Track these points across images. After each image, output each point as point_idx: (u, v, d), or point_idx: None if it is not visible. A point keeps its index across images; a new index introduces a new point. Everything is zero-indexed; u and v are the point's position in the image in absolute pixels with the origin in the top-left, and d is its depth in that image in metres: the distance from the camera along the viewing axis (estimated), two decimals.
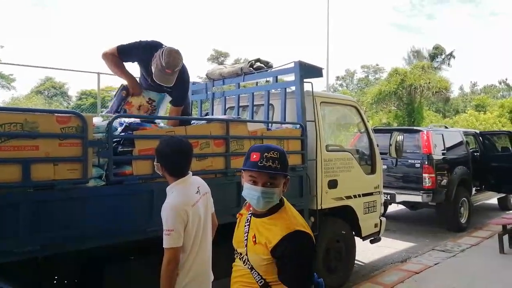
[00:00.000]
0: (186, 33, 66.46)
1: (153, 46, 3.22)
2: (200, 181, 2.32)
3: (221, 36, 63.41)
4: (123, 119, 2.77)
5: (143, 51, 3.25)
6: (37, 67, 13.05)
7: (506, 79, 43.58)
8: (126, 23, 68.15)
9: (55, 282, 2.71)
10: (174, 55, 3.07)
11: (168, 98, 3.42)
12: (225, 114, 4.85)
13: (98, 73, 10.35)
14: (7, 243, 2.09)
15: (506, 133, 8.99)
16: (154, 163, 2.22)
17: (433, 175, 6.99)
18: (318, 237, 4.05)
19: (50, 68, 19.08)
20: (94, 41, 56.53)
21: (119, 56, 3.28)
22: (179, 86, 3.31)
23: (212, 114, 5.09)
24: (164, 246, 2.00)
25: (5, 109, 2.21)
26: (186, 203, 2.09)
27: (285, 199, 1.75)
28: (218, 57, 36.28)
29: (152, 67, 3.13)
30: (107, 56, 3.26)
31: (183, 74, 3.35)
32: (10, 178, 2.10)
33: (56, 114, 2.31)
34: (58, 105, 26.22)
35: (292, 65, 4.10)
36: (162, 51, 3.07)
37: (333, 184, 4.31)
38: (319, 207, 4.11)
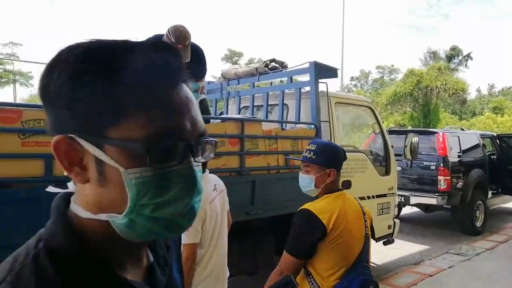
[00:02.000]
0: (200, 33, 66.82)
1: (158, 38, 3.24)
2: (217, 179, 2.36)
3: (235, 35, 63.64)
4: None
5: None
6: None
7: None
8: (140, 22, 68.95)
9: None
10: (180, 29, 3.08)
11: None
12: (239, 113, 4.90)
13: None
14: (30, 237, 2.16)
15: None
16: None
17: (449, 177, 6.90)
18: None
19: None
20: (108, 36, 57.32)
21: None
22: (194, 61, 3.29)
23: (227, 113, 5.15)
24: (183, 242, 2.04)
25: (29, 106, 2.28)
26: (204, 200, 2.13)
27: (342, 191, 1.88)
28: (232, 56, 36.50)
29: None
30: None
31: (197, 52, 3.35)
32: (33, 173, 2.18)
33: None
34: None
35: (307, 65, 4.12)
36: (168, 31, 3.10)
37: (347, 185, 4.30)
38: None
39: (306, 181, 1.88)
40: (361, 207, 1.89)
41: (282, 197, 3.58)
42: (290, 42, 69.70)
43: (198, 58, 3.38)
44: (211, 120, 3.54)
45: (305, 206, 1.79)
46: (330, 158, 1.84)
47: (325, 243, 1.70)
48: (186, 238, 2.04)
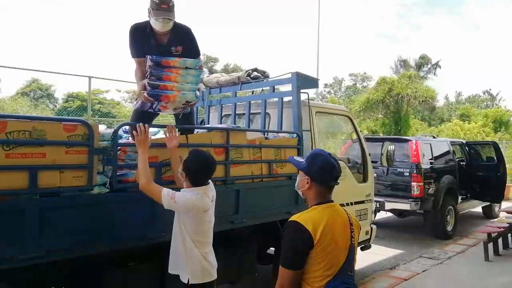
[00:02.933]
0: None
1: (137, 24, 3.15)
2: (213, 188, 2.58)
3: (209, 41, 63.42)
4: (127, 127, 2.81)
5: (135, 34, 3.12)
6: (28, 69, 12.90)
7: (490, 89, 44.74)
8: (114, 26, 67.70)
9: None
10: None
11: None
12: (221, 122, 4.92)
13: (90, 77, 10.28)
14: (13, 249, 2.11)
15: (491, 143, 9.24)
16: (180, 170, 2.47)
17: (421, 183, 7.16)
18: None
19: (42, 71, 18.57)
20: (78, 42, 55.96)
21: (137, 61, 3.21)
22: (187, 40, 3.22)
23: (208, 122, 5.16)
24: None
25: (14, 117, 2.23)
26: (202, 207, 2.43)
27: (332, 203, 1.91)
28: (207, 62, 36.34)
29: (149, 19, 3.01)
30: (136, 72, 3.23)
31: (188, 32, 3.27)
32: (17, 185, 2.13)
33: (63, 122, 2.35)
34: (44, 107, 25.86)
35: (289, 75, 4.19)
36: None
37: None
38: None
39: (295, 187, 2.01)
40: (348, 217, 1.92)
41: (265, 205, 3.63)
42: (266, 49, 70.25)
43: (190, 38, 3.30)
44: (195, 130, 3.55)
45: (293, 217, 1.81)
46: (311, 167, 1.88)
47: (313, 253, 1.74)
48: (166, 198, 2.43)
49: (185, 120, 3.39)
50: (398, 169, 7.37)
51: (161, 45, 3.11)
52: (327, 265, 1.75)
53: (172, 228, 2.51)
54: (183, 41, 3.19)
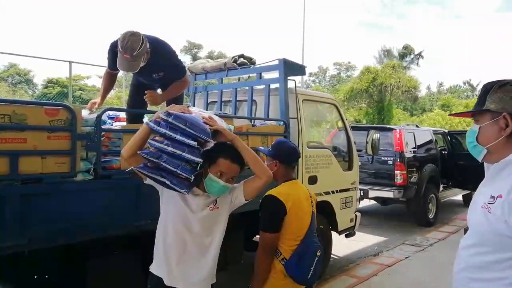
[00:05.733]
0: (158, 23, 65.06)
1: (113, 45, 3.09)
2: None
3: (194, 27, 62.49)
4: (111, 112, 2.73)
5: (114, 52, 3.06)
6: (5, 53, 12.48)
7: (470, 80, 45.62)
8: (95, 13, 65.96)
9: (36, 276, 2.66)
10: (128, 38, 2.83)
11: None
12: (207, 109, 4.85)
13: (70, 62, 10.03)
14: None
15: None
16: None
17: (405, 172, 7.26)
18: None
19: (20, 55, 17.73)
20: (58, 27, 54.32)
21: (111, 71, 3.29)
22: (167, 66, 3.19)
23: None
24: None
25: None
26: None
27: (295, 180, 2.39)
28: (191, 48, 35.86)
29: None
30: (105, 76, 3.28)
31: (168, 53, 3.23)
32: None
33: (45, 106, 2.26)
34: (23, 93, 25.16)
35: (277, 62, 4.14)
36: (120, 37, 2.91)
37: (313, 180, 4.40)
38: None
39: None
40: (308, 191, 2.39)
41: None
42: (251, 37, 69.66)
43: (171, 63, 3.24)
44: None
45: (268, 192, 2.23)
46: (279, 153, 2.33)
47: (286, 218, 2.15)
48: None
49: (176, 99, 3.37)
50: (382, 158, 7.45)
51: (142, 66, 3.03)
52: (297, 228, 2.19)
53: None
54: (164, 66, 3.14)
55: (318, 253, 2.20)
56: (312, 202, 2.36)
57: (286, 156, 2.33)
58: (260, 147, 2.48)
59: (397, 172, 7.25)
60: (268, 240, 2.15)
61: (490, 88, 1.44)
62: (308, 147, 4.41)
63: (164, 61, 3.14)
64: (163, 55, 3.12)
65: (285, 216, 2.14)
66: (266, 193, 2.22)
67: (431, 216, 7.87)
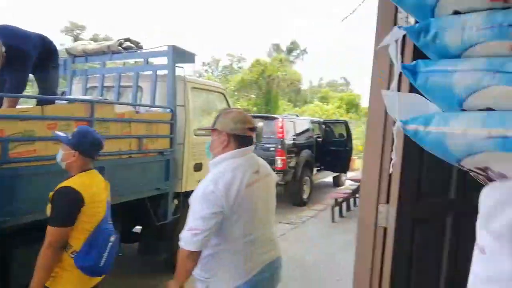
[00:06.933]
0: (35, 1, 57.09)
1: None
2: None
3: (77, 7, 56.49)
4: None
5: None
6: None
7: (345, 77, 50.77)
8: None
9: None
10: None
11: None
12: (86, 95, 4.59)
13: None
14: None
15: (343, 122, 10.69)
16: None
17: (285, 157, 7.94)
18: (181, 219, 4.10)
19: None
20: None
21: None
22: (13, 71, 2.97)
23: (70, 94, 4.75)
24: None
25: None
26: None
27: (92, 170, 2.21)
28: (73, 29, 32.56)
29: None
30: None
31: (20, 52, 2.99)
32: None
33: None
34: None
35: (165, 48, 4.11)
36: None
37: (198, 167, 4.49)
38: (183, 190, 4.22)
39: (58, 155, 2.17)
40: (104, 180, 2.29)
41: (134, 182, 3.55)
42: (140, 22, 66.01)
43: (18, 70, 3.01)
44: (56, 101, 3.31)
45: (63, 183, 2.06)
46: (81, 143, 2.13)
47: (85, 208, 2.03)
48: None
49: (45, 82, 3.16)
50: (265, 145, 7.99)
51: None
52: (92, 217, 2.08)
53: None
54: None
55: (112, 239, 2.11)
56: (108, 191, 2.29)
57: (88, 148, 2.16)
58: (59, 133, 2.25)
59: (277, 157, 7.87)
60: (58, 236, 1.99)
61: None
62: (195, 135, 4.48)
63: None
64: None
65: (83, 207, 2.03)
66: (60, 185, 2.05)
67: (305, 196, 8.70)
